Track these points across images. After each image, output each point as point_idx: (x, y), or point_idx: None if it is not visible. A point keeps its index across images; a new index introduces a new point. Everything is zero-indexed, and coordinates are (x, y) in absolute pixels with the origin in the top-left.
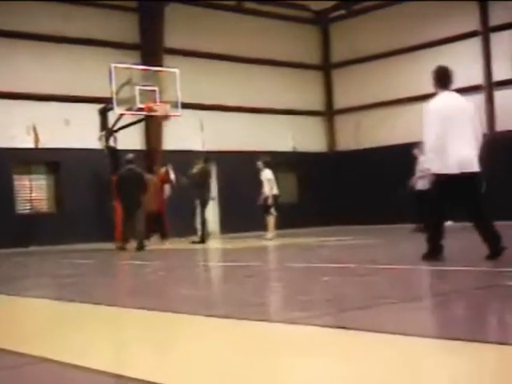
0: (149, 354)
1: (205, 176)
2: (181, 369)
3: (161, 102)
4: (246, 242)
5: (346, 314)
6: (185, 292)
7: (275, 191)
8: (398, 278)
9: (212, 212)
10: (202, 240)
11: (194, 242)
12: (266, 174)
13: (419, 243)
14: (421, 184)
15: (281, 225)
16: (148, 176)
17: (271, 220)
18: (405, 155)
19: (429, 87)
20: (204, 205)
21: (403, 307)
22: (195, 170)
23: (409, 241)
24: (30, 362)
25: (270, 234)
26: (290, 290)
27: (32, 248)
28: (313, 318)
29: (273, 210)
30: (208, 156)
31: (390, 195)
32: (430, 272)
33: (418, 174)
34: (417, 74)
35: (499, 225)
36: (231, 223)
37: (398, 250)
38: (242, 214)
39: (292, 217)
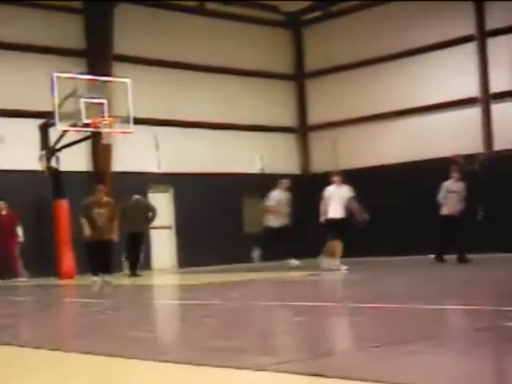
0: None
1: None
2: None
3: (109, 116)
4: (206, 276)
5: (322, 360)
6: (137, 334)
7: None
8: (383, 318)
9: (168, 243)
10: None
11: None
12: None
13: (408, 278)
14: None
15: (249, 257)
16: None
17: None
18: (388, 178)
19: (416, 100)
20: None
21: (387, 351)
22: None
23: (394, 275)
24: None
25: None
26: (257, 331)
27: None
28: (283, 364)
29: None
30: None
31: (369, 222)
32: (420, 311)
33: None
34: (402, 85)
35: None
36: (190, 256)
37: (382, 286)
38: (204, 246)
39: (261, 248)
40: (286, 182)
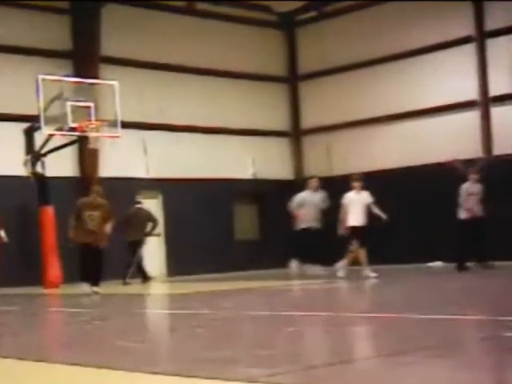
0: None
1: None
2: None
3: (96, 120)
4: (196, 285)
5: (315, 372)
6: (125, 344)
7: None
8: (378, 328)
9: (157, 251)
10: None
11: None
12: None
13: (403, 288)
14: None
15: (240, 266)
16: None
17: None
18: (385, 184)
19: (413, 103)
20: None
21: (383, 363)
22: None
23: (390, 285)
24: None
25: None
26: (248, 342)
27: None
28: (275, 376)
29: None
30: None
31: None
32: (416, 321)
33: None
34: (399, 87)
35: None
36: (180, 264)
37: (376, 296)
38: (194, 254)
39: (253, 256)
40: (313, 182)
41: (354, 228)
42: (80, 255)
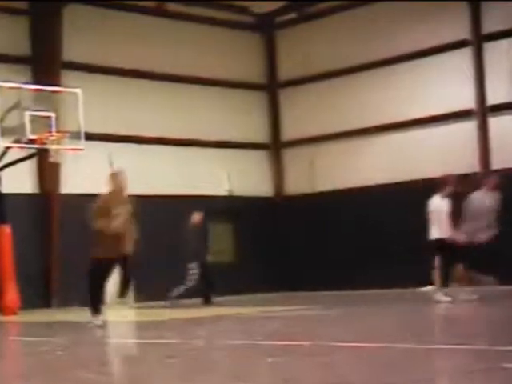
0: None
1: None
2: None
3: (58, 131)
4: (166, 312)
5: None
6: (87, 376)
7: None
8: (363, 358)
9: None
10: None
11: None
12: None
13: (388, 315)
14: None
15: (216, 291)
16: None
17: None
18: (371, 201)
19: (404, 113)
20: None
21: None
22: None
23: (375, 312)
24: None
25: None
26: (223, 374)
27: None
28: None
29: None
30: None
31: (352, 252)
32: (404, 351)
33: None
34: (389, 95)
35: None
36: (150, 289)
37: (362, 324)
38: (165, 277)
39: (228, 280)
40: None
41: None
42: (93, 273)
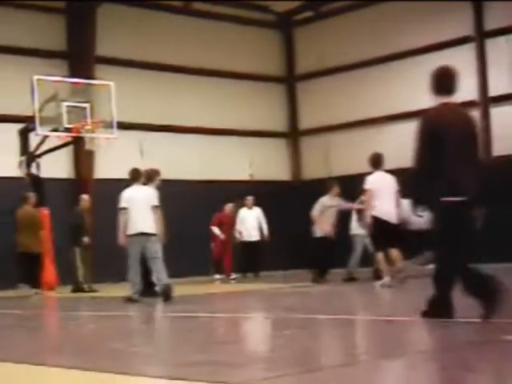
0: None
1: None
2: None
3: (93, 122)
4: (191, 288)
5: (312, 375)
6: (119, 347)
7: None
8: (379, 330)
9: None
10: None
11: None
12: None
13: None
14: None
15: (239, 269)
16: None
17: None
18: None
19: (412, 103)
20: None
21: (377, 365)
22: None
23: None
24: None
25: None
26: (245, 345)
27: None
28: (274, 379)
29: None
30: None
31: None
32: (408, 324)
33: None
34: (398, 87)
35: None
36: (175, 266)
37: (386, 298)
38: (191, 256)
39: (250, 258)
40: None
41: None
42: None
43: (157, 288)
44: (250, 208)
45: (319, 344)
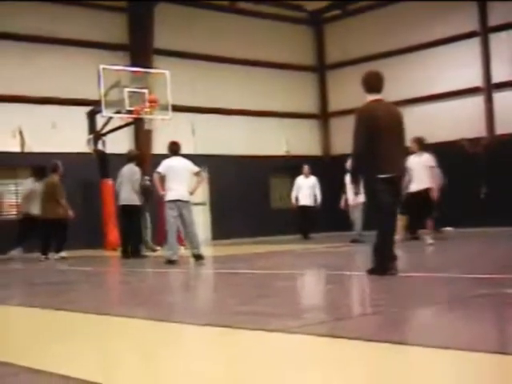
0: (137, 363)
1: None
2: (170, 380)
3: (150, 102)
4: (238, 248)
5: (341, 323)
6: (174, 300)
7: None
8: (399, 285)
9: (203, 218)
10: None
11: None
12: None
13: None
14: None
15: (277, 231)
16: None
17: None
18: None
19: (425, 90)
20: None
21: (402, 315)
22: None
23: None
24: (14, 372)
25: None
26: (284, 298)
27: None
28: (308, 327)
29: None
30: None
31: None
32: (432, 279)
33: None
34: (413, 76)
35: (499, 231)
36: (223, 230)
37: (413, 257)
38: (235, 220)
39: (287, 222)
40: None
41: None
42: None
43: (194, 251)
44: (307, 176)
45: (349, 297)
